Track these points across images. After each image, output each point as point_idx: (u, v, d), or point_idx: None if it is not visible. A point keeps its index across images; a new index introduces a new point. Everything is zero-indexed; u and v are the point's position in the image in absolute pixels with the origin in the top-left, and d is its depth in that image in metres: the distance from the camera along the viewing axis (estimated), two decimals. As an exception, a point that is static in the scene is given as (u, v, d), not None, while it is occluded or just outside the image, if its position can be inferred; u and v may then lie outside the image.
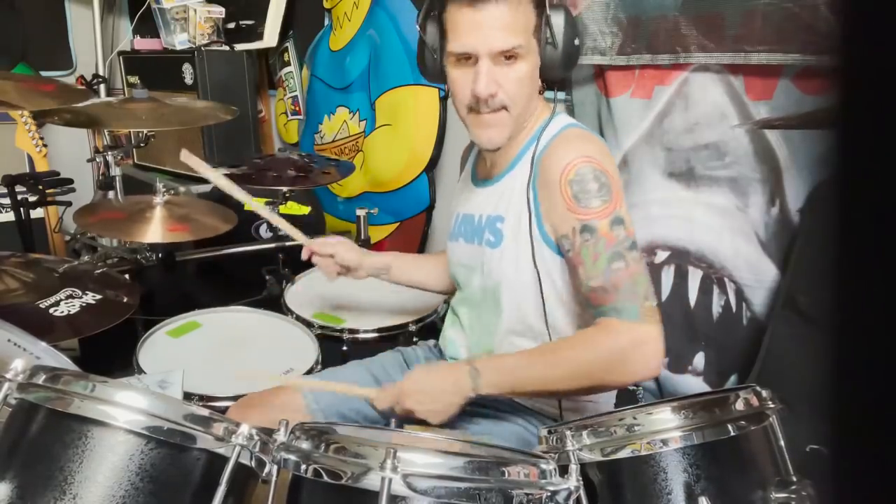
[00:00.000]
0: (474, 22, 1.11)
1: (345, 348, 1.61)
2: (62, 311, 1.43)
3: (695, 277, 1.68)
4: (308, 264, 1.56)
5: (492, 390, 1.10)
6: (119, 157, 2.15)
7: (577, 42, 1.18)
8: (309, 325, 1.65)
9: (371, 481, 0.76)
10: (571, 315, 1.21)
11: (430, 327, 1.69)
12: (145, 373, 1.42)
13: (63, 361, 1.20)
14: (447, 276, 1.51)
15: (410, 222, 2.57)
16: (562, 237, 1.12)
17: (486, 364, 1.11)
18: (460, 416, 1.30)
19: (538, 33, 1.15)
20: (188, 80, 2.78)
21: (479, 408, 1.28)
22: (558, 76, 1.20)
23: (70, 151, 3.04)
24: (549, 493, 0.80)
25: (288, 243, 2.10)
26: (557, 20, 1.15)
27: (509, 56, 1.12)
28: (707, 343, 1.67)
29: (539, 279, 1.17)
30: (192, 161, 1.39)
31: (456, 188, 1.46)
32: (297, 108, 3.08)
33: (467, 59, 1.14)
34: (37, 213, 2.32)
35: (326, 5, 2.79)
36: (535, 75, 1.18)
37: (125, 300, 1.54)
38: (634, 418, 0.87)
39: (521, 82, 1.15)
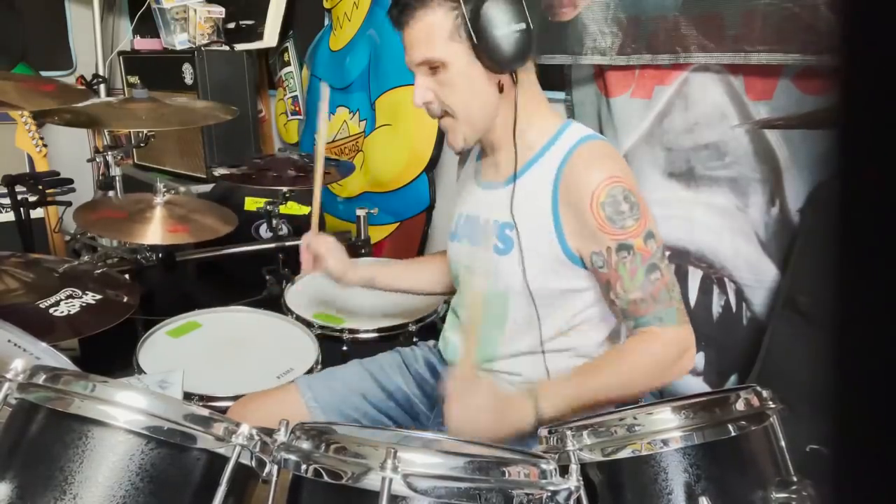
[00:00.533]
0: (403, 43, 1.19)
1: (345, 348, 1.61)
2: (62, 311, 1.43)
3: (695, 277, 1.68)
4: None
5: (552, 413, 1.06)
6: (119, 157, 2.15)
7: (513, 27, 1.09)
8: (309, 325, 1.65)
9: (371, 481, 0.76)
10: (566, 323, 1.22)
11: (429, 327, 1.69)
12: (145, 373, 1.42)
13: (63, 361, 1.20)
14: (439, 280, 1.51)
15: (410, 222, 2.57)
16: (594, 254, 1.13)
17: (547, 393, 1.08)
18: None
19: (458, 35, 1.12)
20: (188, 80, 2.78)
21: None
22: (505, 68, 1.14)
23: (70, 151, 3.04)
24: (549, 493, 0.80)
25: (288, 243, 2.10)
26: (474, 12, 1.10)
27: (431, 67, 1.16)
28: (707, 343, 1.67)
29: (546, 290, 1.18)
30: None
31: (457, 186, 1.45)
32: (297, 108, 3.08)
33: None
34: (37, 213, 2.32)
35: (326, 5, 2.79)
36: (472, 76, 1.15)
37: (125, 300, 1.54)
38: (635, 418, 0.87)
39: (452, 88, 1.16)
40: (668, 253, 1.69)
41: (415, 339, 1.62)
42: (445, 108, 1.19)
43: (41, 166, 2.65)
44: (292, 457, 0.82)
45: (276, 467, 0.84)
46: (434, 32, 1.14)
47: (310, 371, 1.47)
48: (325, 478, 0.79)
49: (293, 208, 2.18)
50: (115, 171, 2.14)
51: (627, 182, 1.13)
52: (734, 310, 1.62)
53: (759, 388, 0.90)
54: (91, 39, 3.26)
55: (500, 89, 1.17)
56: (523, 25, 1.11)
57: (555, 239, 1.15)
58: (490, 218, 1.25)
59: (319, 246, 1.45)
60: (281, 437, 0.85)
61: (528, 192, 1.19)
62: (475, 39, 1.10)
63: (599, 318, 1.21)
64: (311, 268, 1.47)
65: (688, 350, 1.13)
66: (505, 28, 1.10)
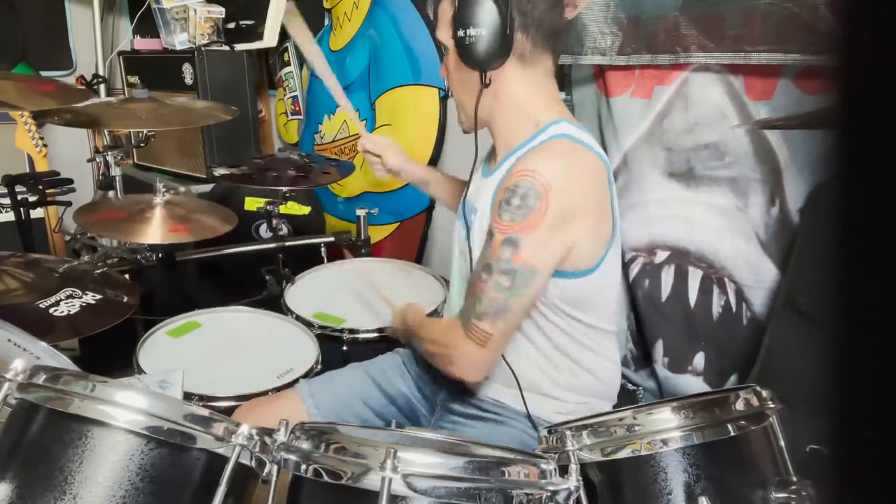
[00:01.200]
0: None
1: (345, 348, 1.61)
2: (62, 311, 1.43)
3: (695, 277, 1.68)
4: (308, 264, 1.57)
5: (399, 326, 1.39)
6: (119, 157, 2.15)
7: (479, 30, 1.11)
8: (309, 325, 1.65)
9: (371, 481, 0.76)
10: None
11: (430, 327, 1.68)
12: (145, 373, 1.42)
13: (63, 361, 1.19)
14: None
15: (410, 222, 2.57)
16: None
17: (411, 316, 1.36)
18: (460, 419, 1.30)
19: (452, 24, 1.16)
20: (188, 80, 2.78)
21: (480, 411, 1.28)
22: (476, 66, 1.15)
23: (70, 151, 3.03)
24: (549, 493, 0.80)
25: (288, 243, 2.10)
26: (460, 6, 1.12)
27: (445, 47, 1.22)
28: (707, 343, 1.67)
29: None
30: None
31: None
32: (297, 108, 3.08)
33: None
34: (37, 213, 2.32)
35: (326, 5, 2.79)
36: (459, 66, 1.18)
37: (125, 300, 1.54)
38: (634, 418, 0.87)
39: (449, 72, 1.24)
40: (668, 254, 1.69)
41: (415, 339, 1.62)
42: (451, 89, 1.28)
43: (41, 166, 2.65)
44: (292, 457, 0.82)
45: (275, 467, 0.84)
46: (442, 17, 1.20)
47: (309, 371, 1.47)
48: (325, 478, 0.79)
49: (293, 208, 2.18)
50: (115, 171, 2.13)
51: (548, 185, 1.06)
52: (734, 310, 1.62)
53: (758, 388, 0.90)
54: (91, 39, 3.25)
55: (487, 84, 1.17)
56: (488, 29, 1.11)
57: (488, 216, 1.17)
58: (473, 203, 1.27)
59: (375, 145, 1.60)
60: (281, 437, 0.85)
61: (494, 182, 1.20)
62: (452, 32, 1.16)
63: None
64: (380, 168, 1.62)
65: (460, 356, 1.15)
66: (474, 28, 1.12)
